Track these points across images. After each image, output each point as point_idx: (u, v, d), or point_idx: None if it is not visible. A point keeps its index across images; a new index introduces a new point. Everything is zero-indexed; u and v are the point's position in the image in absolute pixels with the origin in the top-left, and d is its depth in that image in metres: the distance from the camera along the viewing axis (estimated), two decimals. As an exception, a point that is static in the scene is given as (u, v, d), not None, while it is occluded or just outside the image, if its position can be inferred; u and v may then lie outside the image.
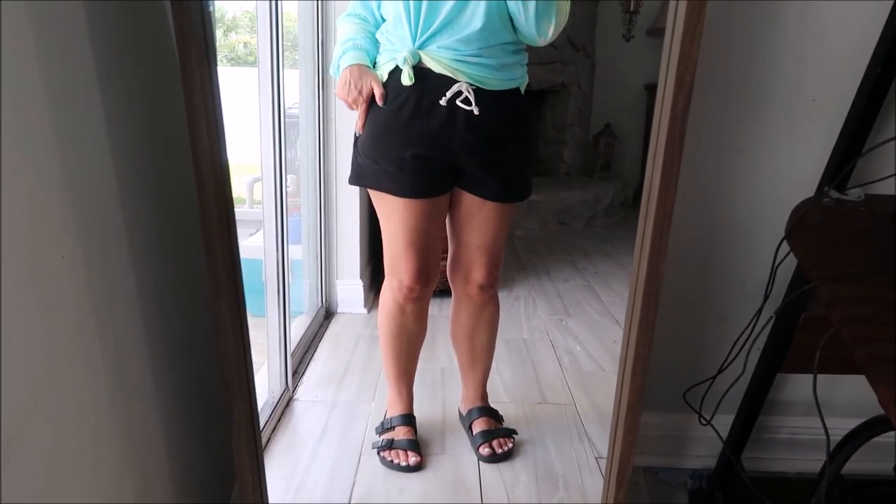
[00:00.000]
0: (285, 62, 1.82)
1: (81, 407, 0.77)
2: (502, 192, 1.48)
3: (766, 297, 1.19)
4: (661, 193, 0.87)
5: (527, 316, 2.65)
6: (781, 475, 1.56)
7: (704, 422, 1.34)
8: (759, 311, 1.21)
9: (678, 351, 1.48)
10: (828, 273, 0.96)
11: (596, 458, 1.68)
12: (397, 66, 1.38)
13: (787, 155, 1.33)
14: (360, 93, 1.40)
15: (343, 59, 1.42)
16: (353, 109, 1.44)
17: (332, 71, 1.47)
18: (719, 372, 1.28)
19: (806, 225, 1.09)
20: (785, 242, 1.14)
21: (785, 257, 1.15)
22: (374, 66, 1.44)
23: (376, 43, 1.45)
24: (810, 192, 1.23)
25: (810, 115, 1.30)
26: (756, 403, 1.38)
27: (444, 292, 2.61)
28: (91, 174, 0.81)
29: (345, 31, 1.46)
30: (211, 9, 0.98)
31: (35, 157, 0.70)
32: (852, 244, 1.11)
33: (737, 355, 1.24)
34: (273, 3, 1.74)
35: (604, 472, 1.61)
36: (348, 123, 2.55)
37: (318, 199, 2.51)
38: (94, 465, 0.80)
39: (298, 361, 2.17)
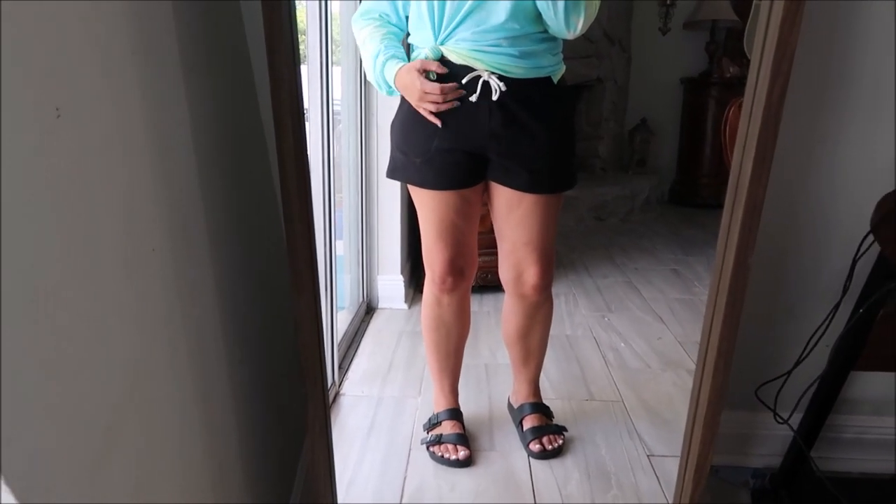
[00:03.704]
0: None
1: (170, 400, 0.77)
2: (535, 183, 1.45)
3: (845, 292, 1.16)
4: (752, 184, 0.84)
5: (568, 312, 2.63)
6: (847, 475, 1.53)
7: (781, 420, 1.31)
8: (837, 306, 1.18)
9: (744, 346, 1.44)
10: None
11: (648, 456, 1.65)
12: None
13: (868, 147, 1.28)
14: (419, 93, 1.36)
15: (387, 76, 1.40)
16: (440, 105, 1.37)
17: (385, 92, 1.45)
18: (795, 366, 1.24)
19: (895, 218, 1.06)
20: (868, 236, 1.11)
21: (866, 250, 1.12)
22: None
23: (398, 37, 1.45)
24: (890, 185, 1.19)
25: (893, 105, 1.25)
26: (828, 401, 1.34)
27: (482, 288, 2.62)
28: (177, 169, 0.81)
29: (368, 44, 1.44)
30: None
31: (131, 151, 0.70)
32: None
33: (810, 351, 1.21)
34: (322, 3, 1.75)
35: (656, 470, 1.59)
36: (389, 119, 2.55)
37: (360, 195, 2.51)
38: (181, 458, 0.80)
39: (342, 356, 2.17)
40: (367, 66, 1.45)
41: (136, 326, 0.69)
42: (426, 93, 1.35)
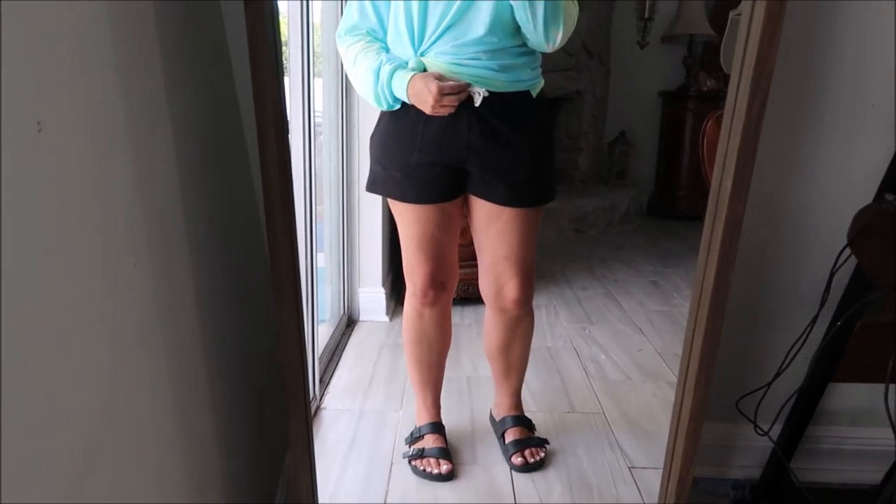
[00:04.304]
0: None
1: (149, 416, 0.76)
2: (514, 196, 1.45)
3: (823, 304, 1.17)
4: (732, 199, 0.85)
5: (549, 324, 2.63)
6: (826, 485, 1.54)
7: (761, 432, 1.32)
8: (815, 319, 1.19)
9: (724, 359, 1.46)
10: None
11: (629, 468, 1.66)
12: None
13: (844, 160, 1.30)
14: (435, 96, 1.31)
15: (395, 86, 1.35)
16: (451, 106, 1.33)
17: (384, 106, 1.41)
18: (774, 378, 1.26)
19: (871, 231, 1.08)
20: (846, 249, 1.13)
21: (843, 263, 1.14)
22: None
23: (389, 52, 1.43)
24: (866, 198, 1.21)
25: (868, 119, 1.28)
26: (807, 412, 1.36)
27: (463, 300, 2.62)
28: (159, 183, 0.80)
29: (362, 59, 1.39)
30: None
31: (113, 165, 0.69)
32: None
33: (789, 363, 1.23)
34: (304, 9, 1.75)
35: (638, 482, 1.60)
36: (370, 131, 2.55)
37: (341, 207, 2.50)
38: (160, 475, 0.79)
39: (323, 370, 2.15)
40: (363, 80, 1.40)
41: (116, 342, 0.68)
42: (444, 94, 1.30)
